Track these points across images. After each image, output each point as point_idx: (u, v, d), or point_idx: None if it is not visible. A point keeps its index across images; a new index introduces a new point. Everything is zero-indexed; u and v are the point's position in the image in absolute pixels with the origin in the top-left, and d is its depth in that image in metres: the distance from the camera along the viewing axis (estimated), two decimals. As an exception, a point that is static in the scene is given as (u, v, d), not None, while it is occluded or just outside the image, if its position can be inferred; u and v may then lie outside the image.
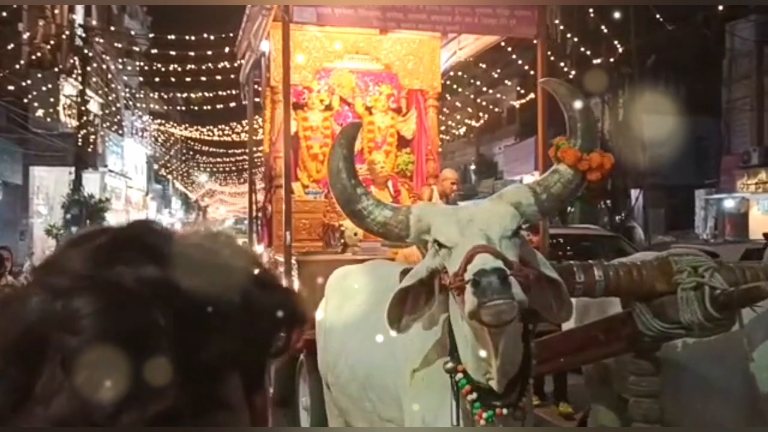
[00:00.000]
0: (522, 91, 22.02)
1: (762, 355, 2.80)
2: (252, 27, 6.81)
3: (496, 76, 20.42)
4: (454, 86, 18.00)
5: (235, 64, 16.76)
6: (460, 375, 2.35)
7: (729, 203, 22.71)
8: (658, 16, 16.99)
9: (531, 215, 2.43)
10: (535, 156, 29.10)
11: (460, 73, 16.45)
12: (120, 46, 23.50)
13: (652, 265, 2.77)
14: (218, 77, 19.52)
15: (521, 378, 2.35)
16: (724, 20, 20.68)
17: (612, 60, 18.94)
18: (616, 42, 18.03)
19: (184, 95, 22.87)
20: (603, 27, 16.65)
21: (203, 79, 20.13)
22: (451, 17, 5.84)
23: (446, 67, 7.63)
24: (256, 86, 8.70)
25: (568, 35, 15.77)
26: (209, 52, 18.60)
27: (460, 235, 2.23)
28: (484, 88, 21.83)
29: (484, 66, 18.41)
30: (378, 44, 6.99)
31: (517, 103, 23.62)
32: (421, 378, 2.56)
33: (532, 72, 18.08)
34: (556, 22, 6.09)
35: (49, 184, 20.55)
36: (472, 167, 32.63)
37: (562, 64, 17.03)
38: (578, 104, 2.61)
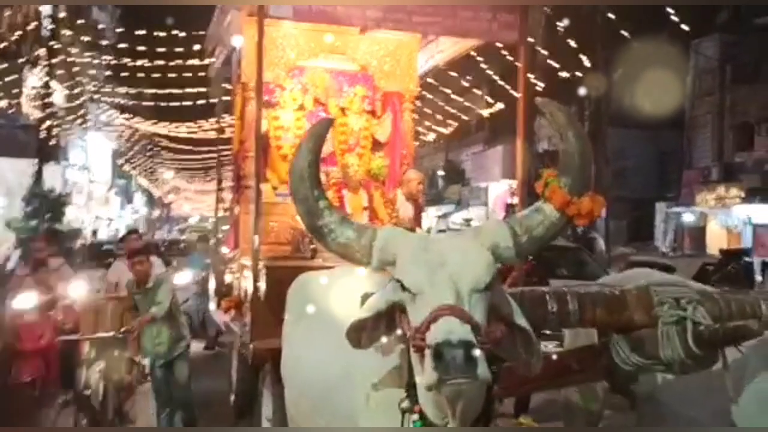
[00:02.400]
0: (491, 100, 22.26)
1: (746, 399, 2.61)
2: (224, 21, 6.63)
3: (466, 84, 20.57)
4: (424, 93, 18.03)
5: (205, 61, 16.60)
6: (416, 416, 2.18)
7: (688, 217, 23.24)
8: (623, 31, 17.32)
9: (507, 258, 2.22)
10: (502, 164, 29.33)
11: (429, 80, 16.51)
12: (88, 38, 23.07)
13: (631, 295, 2.59)
14: (187, 74, 19.29)
15: (483, 417, 2.20)
16: (689, 38, 21.18)
17: (578, 73, 19.22)
18: (582, 56, 18.31)
19: (152, 91, 22.54)
20: (570, 40, 16.89)
21: (171, 75, 19.88)
22: (432, 18, 5.70)
23: (423, 70, 7.49)
24: (225, 85, 8.58)
25: (537, 47, 15.94)
26: (178, 49, 18.39)
27: (428, 282, 2.03)
28: (454, 96, 21.97)
29: (454, 74, 18.53)
30: (355, 44, 6.83)
31: (485, 112, 23.84)
32: (378, 403, 2.39)
33: (501, 82, 18.46)
34: (531, 40, 5.99)
35: (10, 175, 20.09)
36: (440, 173, 32.80)
37: (531, 75, 17.18)
38: (576, 138, 2.35)
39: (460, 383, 1.85)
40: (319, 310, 3.09)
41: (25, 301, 6.52)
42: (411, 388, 2.18)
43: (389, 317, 2.17)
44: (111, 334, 5.54)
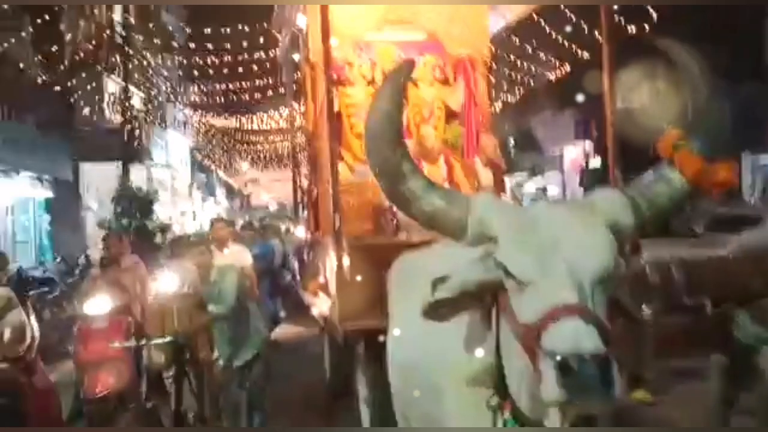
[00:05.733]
0: (558, 63, 21.72)
1: None
2: (288, 3, 6.72)
3: (530, 48, 20.13)
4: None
5: (270, 53, 16.88)
6: (507, 414, 1.91)
7: (778, 166, 22.07)
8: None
9: (626, 237, 1.85)
10: (574, 127, 28.42)
11: (493, 48, 16.22)
12: (159, 42, 23.83)
13: (747, 260, 2.32)
14: (254, 67, 19.72)
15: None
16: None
17: (646, 28, 18.41)
18: (649, 8, 17.53)
19: (223, 86, 23.17)
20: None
21: (240, 69, 20.37)
22: None
23: (495, 31, 7.24)
24: (295, 73, 8.57)
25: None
26: (245, 43, 18.82)
27: (540, 271, 1.71)
28: (519, 62, 21.52)
29: (516, 39, 18.13)
30: (420, 11, 6.63)
31: (553, 76, 23.26)
32: (470, 386, 2.08)
33: (566, 43, 17.96)
34: None
35: (98, 179, 21.06)
36: (511, 142, 32.21)
37: (598, 33, 16.68)
38: (711, 92, 2.03)
39: (590, 403, 1.57)
40: (418, 286, 2.92)
41: (95, 304, 5.70)
42: (501, 383, 1.91)
43: (476, 293, 1.89)
44: (167, 339, 5.03)
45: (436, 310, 1.90)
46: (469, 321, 2.02)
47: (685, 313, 2.88)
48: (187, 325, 5.13)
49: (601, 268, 1.72)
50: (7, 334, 4.90)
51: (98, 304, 5.58)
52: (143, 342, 5.19)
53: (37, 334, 5.18)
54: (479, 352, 1.98)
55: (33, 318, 5.23)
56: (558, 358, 1.56)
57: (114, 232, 12.16)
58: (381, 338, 3.39)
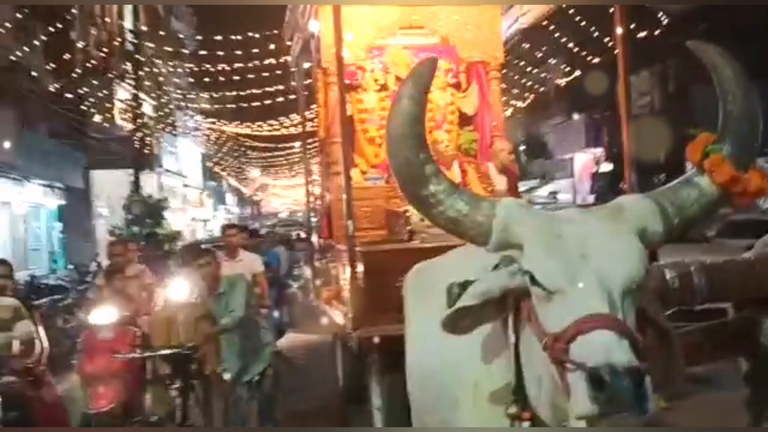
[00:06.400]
0: (568, 69, 21.70)
1: None
2: (300, 7, 6.66)
3: (540, 55, 20.13)
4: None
5: (281, 60, 16.89)
6: (526, 424, 1.88)
7: (794, 170, 21.81)
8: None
9: (654, 244, 1.81)
10: (585, 134, 28.28)
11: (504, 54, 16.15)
12: (169, 49, 23.95)
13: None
14: (265, 74, 19.78)
15: None
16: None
17: (657, 32, 18.34)
18: (660, 14, 17.43)
19: (233, 93, 23.28)
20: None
21: (251, 76, 20.43)
22: None
23: (508, 35, 7.20)
24: (306, 80, 8.52)
25: (611, 10, 15.29)
26: (255, 50, 18.88)
27: (568, 279, 1.67)
28: (529, 68, 21.48)
29: (527, 45, 18.08)
30: (433, 15, 6.58)
31: (563, 81, 23.25)
32: (487, 396, 2.06)
33: (576, 49, 17.91)
34: None
35: (109, 186, 21.14)
36: (522, 148, 32.17)
37: (608, 39, 16.63)
38: (745, 96, 1.92)
39: (624, 417, 1.53)
40: (436, 295, 2.86)
41: (99, 314, 5.37)
42: (519, 391, 1.89)
43: (498, 304, 1.86)
44: (172, 351, 4.87)
45: (457, 322, 1.85)
46: (487, 333, 1.97)
47: (706, 319, 2.80)
48: (193, 335, 4.97)
49: (630, 276, 1.69)
50: (15, 346, 4.80)
51: (103, 314, 5.33)
52: (148, 353, 5.05)
53: (46, 344, 5.07)
54: (499, 367, 1.95)
55: (41, 328, 5.11)
56: (589, 370, 1.52)
57: (119, 239, 11.90)
58: (398, 345, 3.29)
